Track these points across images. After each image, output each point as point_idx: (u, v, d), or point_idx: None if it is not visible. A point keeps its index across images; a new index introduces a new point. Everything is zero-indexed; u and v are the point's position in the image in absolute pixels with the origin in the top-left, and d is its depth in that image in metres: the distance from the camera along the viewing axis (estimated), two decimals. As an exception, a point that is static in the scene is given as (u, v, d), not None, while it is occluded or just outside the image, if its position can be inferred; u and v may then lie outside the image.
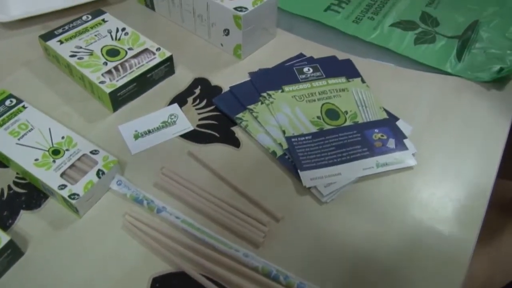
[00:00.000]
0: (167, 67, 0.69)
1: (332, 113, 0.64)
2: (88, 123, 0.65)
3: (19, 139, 0.59)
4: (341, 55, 0.75)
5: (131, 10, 0.84)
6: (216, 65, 0.73)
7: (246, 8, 0.67)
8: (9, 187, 0.58)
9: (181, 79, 0.70)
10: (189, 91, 0.68)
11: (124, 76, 0.65)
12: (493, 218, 1.43)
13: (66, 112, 0.66)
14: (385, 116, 0.65)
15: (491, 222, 1.39)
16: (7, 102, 0.64)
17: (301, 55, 0.74)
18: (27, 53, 0.75)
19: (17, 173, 0.59)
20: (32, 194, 0.57)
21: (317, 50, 0.75)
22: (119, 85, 0.64)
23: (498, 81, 0.73)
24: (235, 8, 0.67)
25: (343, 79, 0.69)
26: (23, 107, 0.63)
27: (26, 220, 0.54)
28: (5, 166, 0.60)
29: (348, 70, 0.71)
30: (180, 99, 0.67)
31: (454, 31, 0.81)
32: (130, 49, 0.69)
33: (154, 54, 0.68)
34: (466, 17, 0.84)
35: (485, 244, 1.39)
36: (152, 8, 0.82)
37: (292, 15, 0.83)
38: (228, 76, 0.70)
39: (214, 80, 0.70)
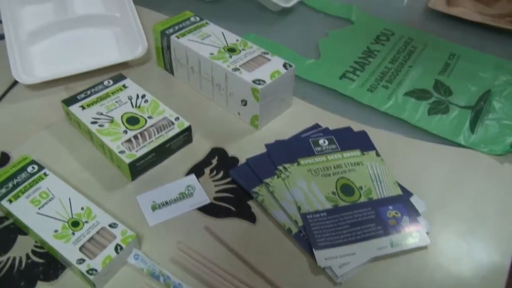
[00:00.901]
0: (185, 136, 0.70)
1: (347, 189, 0.65)
2: (107, 192, 0.66)
3: (39, 209, 0.61)
4: (356, 125, 0.76)
5: (151, 73, 0.86)
6: (233, 134, 0.74)
7: (264, 81, 0.69)
8: (28, 256, 0.59)
9: (199, 148, 0.72)
10: (206, 161, 0.70)
11: (143, 146, 0.66)
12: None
13: (85, 179, 0.67)
14: (399, 192, 0.66)
15: None
16: (29, 169, 0.65)
17: (316, 126, 0.75)
18: (49, 114, 0.77)
19: (36, 242, 0.60)
20: (50, 265, 0.58)
21: (332, 120, 0.77)
22: (139, 155, 0.65)
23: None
24: (254, 81, 0.69)
25: (358, 152, 0.70)
26: (45, 174, 0.65)
27: (43, 293, 0.55)
28: (24, 233, 0.61)
29: (363, 142, 0.72)
30: (197, 170, 0.68)
31: (467, 101, 0.83)
32: (149, 117, 0.70)
33: (173, 123, 0.70)
34: (478, 86, 0.86)
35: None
36: (171, 72, 0.85)
37: (307, 82, 0.85)
38: (245, 147, 0.72)
39: (231, 151, 0.71)
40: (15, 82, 0.83)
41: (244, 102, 0.72)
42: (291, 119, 0.77)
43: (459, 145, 0.75)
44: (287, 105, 0.78)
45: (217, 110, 0.78)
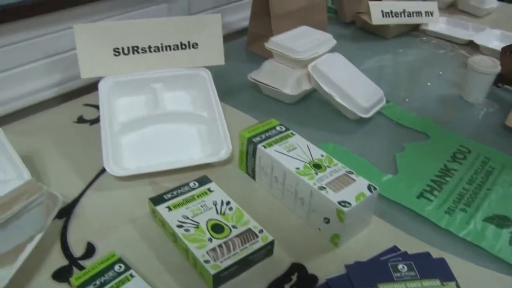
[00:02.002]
0: (267, 250, 0.72)
1: (428, 323, 0.64)
2: (188, 299, 0.67)
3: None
4: (433, 250, 0.76)
5: (232, 175, 0.90)
6: (313, 249, 0.75)
7: (349, 204, 0.71)
8: None
9: (279, 262, 0.73)
10: (286, 277, 0.71)
11: (228, 258, 0.68)
12: None
13: (167, 282, 0.69)
14: (481, 331, 0.64)
15: None
16: (116, 267, 0.68)
17: (395, 248, 0.75)
18: (133, 207, 0.81)
19: None
20: None
21: (410, 243, 0.77)
22: (223, 267, 0.67)
23: None
24: (339, 202, 0.71)
25: (437, 282, 0.69)
26: (131, 275, 0.67)
27: None
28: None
29: (442, 271, 0.71)
30: (277, 286, 0.69)
31: (549, 231, 0.81)
32: (234, 226, 0.73)
33: (257, 236, 0.71)
34: (560, 214, 0.84)
35: None
36: (253, 177, 0.88)
37: (385, 199, 0.86)
38: (324, 264, 0.72)
39: (311, 268, 0.72)
40: (103, 170, 0.87)
41: (327, 220, 0.74)
42: (370, 238, 0.77)
43: (543, 282, 0.73)
44: (366, 224, 0.79)
45: (297, 222, 0.80)
